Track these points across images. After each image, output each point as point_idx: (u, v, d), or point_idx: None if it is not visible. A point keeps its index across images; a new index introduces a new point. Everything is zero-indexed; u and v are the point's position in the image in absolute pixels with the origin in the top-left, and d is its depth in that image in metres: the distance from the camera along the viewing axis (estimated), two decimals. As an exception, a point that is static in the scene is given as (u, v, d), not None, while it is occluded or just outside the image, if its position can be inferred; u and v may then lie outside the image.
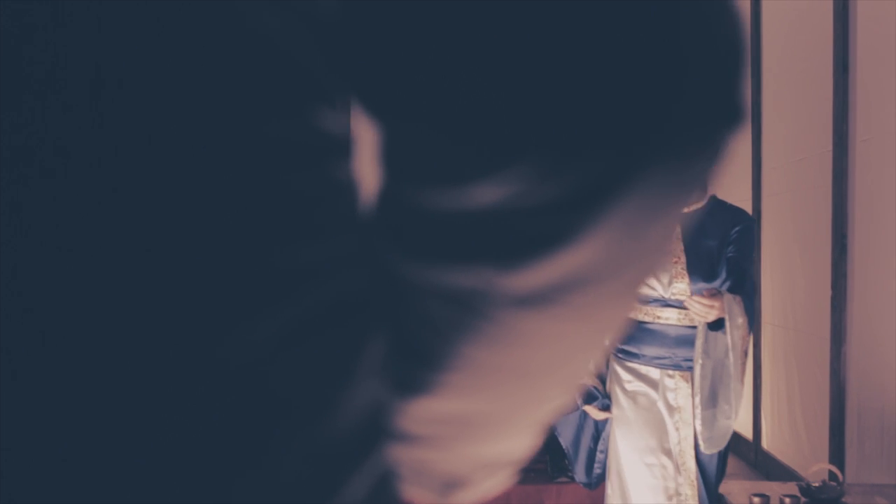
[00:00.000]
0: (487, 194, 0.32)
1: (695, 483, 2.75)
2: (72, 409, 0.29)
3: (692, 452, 2.76)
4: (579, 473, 3.02)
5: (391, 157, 0.35)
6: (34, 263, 0.28)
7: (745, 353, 2.71)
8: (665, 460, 2.77)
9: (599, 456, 2.97)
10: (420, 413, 0.42)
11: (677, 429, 2.77)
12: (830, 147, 4.08)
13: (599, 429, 2.99)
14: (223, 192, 0.31)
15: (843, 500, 2.85)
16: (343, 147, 0.36)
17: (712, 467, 2.79)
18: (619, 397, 2.91)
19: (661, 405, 2.80)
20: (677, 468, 2.76)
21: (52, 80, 0.28)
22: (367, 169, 0.36)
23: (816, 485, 2.85)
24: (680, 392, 2.76)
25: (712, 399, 2.70)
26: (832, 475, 3.03)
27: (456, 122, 0.31)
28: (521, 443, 0.48)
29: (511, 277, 0.34)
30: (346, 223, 0.36)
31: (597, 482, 3.00)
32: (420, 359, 0.39)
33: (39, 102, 0.28)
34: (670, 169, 0.32)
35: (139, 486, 0.29)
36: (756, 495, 2.77)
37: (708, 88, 0.32)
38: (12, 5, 0.28)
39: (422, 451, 0.45)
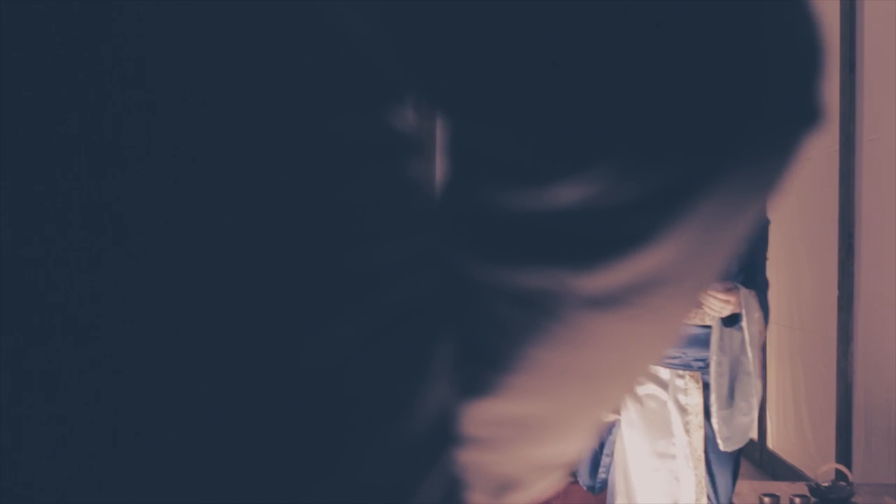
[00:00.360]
0: (568, 194, 0.32)
1: (704, 488, 2.71)
2: (156, 411, 0.28)
3: (703, 456, 2.71)
4: (583, 476, 2.99)
5: (467, 156, 0.34)
6: (120, 266, 0.28)
7: (762, 349, 2.69)
8: (672, 465, 2.75)
9: (605, 460, 2.93)
10: (480, 415, 0.41)
11: (687, 431, 2.73)
12: (837, 146, 4.08)
13: (605, 432, 2.97)
14: (296, 192, 0.31)
15: (853, 500, 2.85)
16: (414, 146, 0.36)
17: (724, 474, 2.74)
18: (627, 400, 2.89)
19: (671, 405, 2.78)
20: (686, 473, 2.73)
21: (127, 77, 0.28)
22: (439, 168, 0.36)
23: (826, 485, 2.85)
24: (691, 393, 2.74)
25: (730, 397, 2.67)
26: (840, 475, 3.02)
27: (539, 122, 0.31)
28: (575, 445, 0.47)
29: (585, 278, 0.34)
30: (417, 223, 0.35)
31: (601, 487, 2.96)
32: (485, 361, 0.39)
33: (115, 99, 0.28)
34: (749, 170, 0.32)
35: (220, 488, 0.29)
36: (766, 495, 2.77)
37: (788, 89, 0.32)
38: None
39: (478, 453, 0.44)
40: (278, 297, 0.30)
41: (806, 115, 0.33)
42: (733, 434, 2.65)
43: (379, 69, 0.33)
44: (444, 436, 0.37)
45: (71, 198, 0.27)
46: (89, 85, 0.27)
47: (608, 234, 0.33)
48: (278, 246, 0.30)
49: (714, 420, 2.66)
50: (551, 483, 0.50)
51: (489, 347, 0.38)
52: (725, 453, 2.71)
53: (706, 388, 2.71)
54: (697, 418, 2.71)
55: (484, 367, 0.39)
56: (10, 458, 0.27)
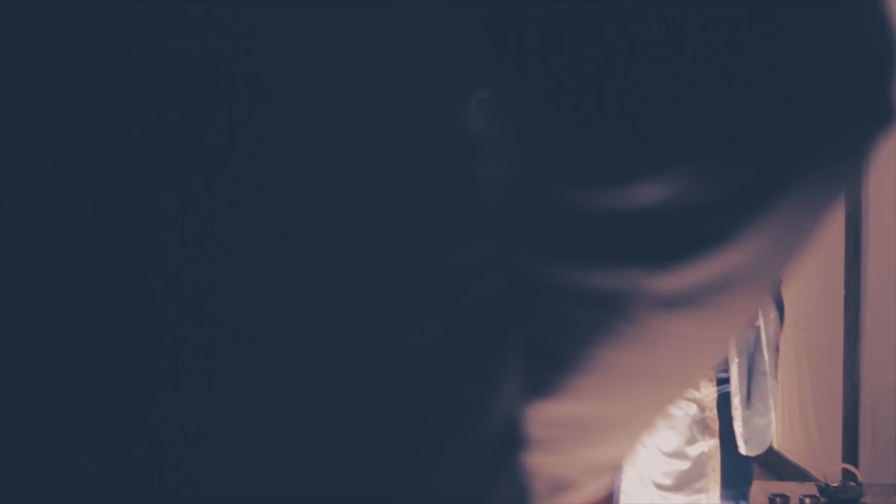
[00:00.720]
0: (648, 194, 0.31)
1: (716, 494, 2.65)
2: (241, 415, 0.28)
3: (717, 466, 2.65)
4: None
5: (542, 156, 0.34)
6: (207, 272, 0.27)
7: (777, 349, 2.67)
8: (684, 465, 2.69)
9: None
10: (540, 416, 0.41)
11: (702, 438, 2.67)
12: (844, 146, 4.07)
13: None
14: (375, 194, 0.30)
15: (862, 500, 2.85)
16: (485, 145, 0.35)
17: (738, 484, 2.68)
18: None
19: (684, 409, 2.74)
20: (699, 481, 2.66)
21: (207, 78, 0.27)
22: (509, 168, 0.35)
23: (835, 485, 2.85)
24: (707, 396, 2.70)
25: (748, 397, 2.64)
26: (849, 475, 3.02)
27: (622, 121, 0.31)
28: (627, 446, 0.47)
29: (659, 278, 0.34)
30: (488, 224, 0.35)
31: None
32: (550, 361, 0.38)
33: (198, 103, 0.27)
34: (826, 170, 0.32)
35: (298, 492, 0.29)
36: (776, 495, 2.77)
37: (866, 89, 0.32)
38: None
39: (535, 454, 0.44)
40: (357, 300, 0.29)
41: (881, 115, 0.33)
42: (752, 436, 2.61)
43: (453, 66, 0.32)
44: (514, 440, 0.36)
45: (168, 207, 0.27)
46: (179, 89, 0.27)
47: (686, 234, 0.32)
48: (357, 248, 0.29)
49: (737, 423, 2.60)
50: (601, 485, 0.50)
51: (555, 348, 0.38)
52: (740, 461, 2.64)
53: (720, 383, 2.65)
54: (712, 424, 2.65)
55: (548, 367, 0.38)
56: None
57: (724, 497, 2.62)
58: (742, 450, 2.61)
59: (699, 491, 2.62)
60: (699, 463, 2.64)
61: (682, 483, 2.64)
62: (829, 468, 3.05)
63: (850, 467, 3.06)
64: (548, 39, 0.31)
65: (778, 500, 2.76)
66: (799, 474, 4.68)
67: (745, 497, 2.68)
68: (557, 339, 0.38)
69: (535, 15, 0.31)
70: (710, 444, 2.64)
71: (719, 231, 0.32)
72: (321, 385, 0.29)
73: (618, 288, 0.34)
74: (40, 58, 0.26)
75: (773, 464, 5.23)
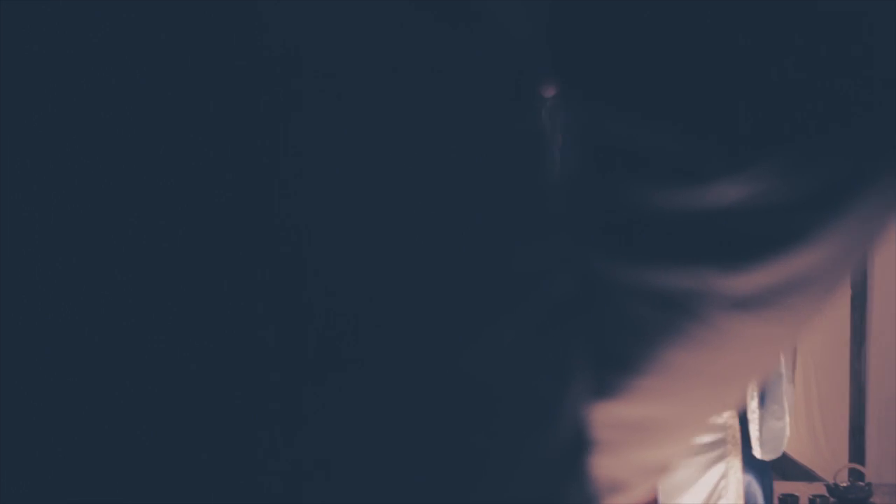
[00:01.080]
0: (727, 193, 0.31)
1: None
2: (308, 419, 0.28)
3: (740, 476, 2.61)
4: None
5: (618, 155, 0.33)
6: (274, 263, 0.27)
7: (794, 351, 2.66)
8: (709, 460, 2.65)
9: None
10: (600, 417, 0.41)
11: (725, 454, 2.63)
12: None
13: None
14: (455, 194, 0.30)
15: (871, 500, 2.84)
16: (558, 142, 0.35)
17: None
18: None
19: None
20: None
21: (282, 74, 0.27)
22: (578, 166, 0.35)
23: (844, 485, 2.85)
24: None
25: (763, 399, 2.61)
26: (856, 476, 3.01)
27: (704, 120, 0.30)
28: (680, 448, 0.46)
29: (733, 278, 0.33)
30: (558, 224, 0.35)
31: None
32: (616, 363, 0.38)
33: (269, 97, 0.27)
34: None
35: (373, 497, 0.28)
36: (786, 495, 2.77)
37: None
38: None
39: (593, 456, 0.44)
40: (446, 300, 0.29)
41: None
42: (766, 439, 2.59)
43: (526, 61, 0.32)
44: (583, 442, 0.36)
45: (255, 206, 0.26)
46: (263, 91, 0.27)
47: (763, 234, 0.32)
48: (447, 249, 0.29)
49: (753, 426, 2.58)
50: (650, 487, 0.49)
51: (622, 349, 0.38)
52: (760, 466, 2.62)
53: None
54: (734, 433, 2.62)
55: (613, 369, 0.38)
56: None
57: (745, 467, 2.61)
58: (757, 453, 2.59)
59: (720, 458, 2.60)
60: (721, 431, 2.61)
61: (703, 449, 2.62)
62: (837, 468, 3.04)
63: (859, 467, 3.05)
64: (623, 34, 0.31)
65: (788, 500, 2.75)
66: (805, 475, 4.67)
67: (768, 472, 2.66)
68: (625, 340, 0.37)
69: (609, 9, 0.31)
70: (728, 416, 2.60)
71: (796, 231, 0.32)
72: (407, 386, 0.29)
73: (690, 288, 0.34)
74: (140, 57, 0.26)
75: (779, 464, 5.22)
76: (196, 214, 0.26)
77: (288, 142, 0.27)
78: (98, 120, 0.25)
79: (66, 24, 0.25)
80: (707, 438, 2.60)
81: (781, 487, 2.98)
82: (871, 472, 3.89)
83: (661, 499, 2.58)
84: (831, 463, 4.17)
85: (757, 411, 2.58)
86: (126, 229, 0.25)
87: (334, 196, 0.28)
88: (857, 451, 4.04)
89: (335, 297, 0.28)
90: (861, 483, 2.90)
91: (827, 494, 2.83)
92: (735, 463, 2.60)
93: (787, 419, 2.59)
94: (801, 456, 4.92)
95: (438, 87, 0.30)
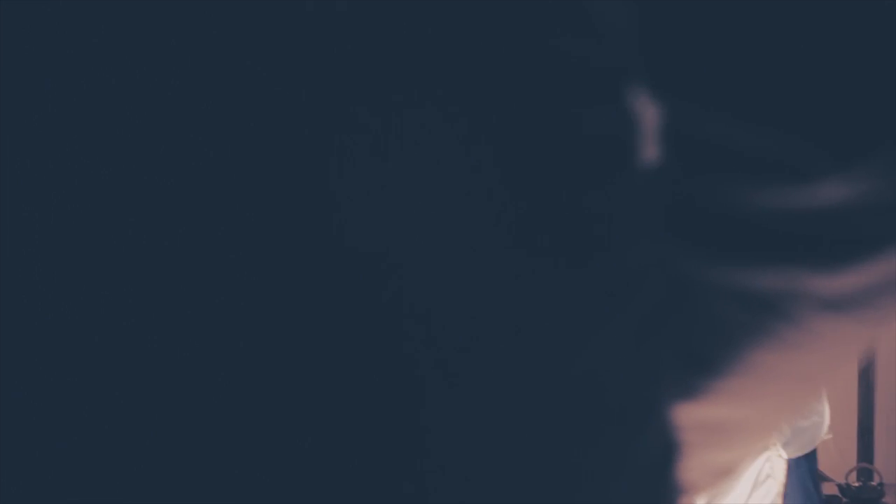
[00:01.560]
0: (828, 193, 0.31)
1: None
2: (426, 417, 0.27)
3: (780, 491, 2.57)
4: None
5: (714, 154, 0.33)
6: (336, 260, 0.27)
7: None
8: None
9: None
10: (679, 419, 0.41)
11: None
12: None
13: None
14: (542, 200, 0.30)
15: (884, 500, 2.84)
16: (650, 141, 0.35)
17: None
18: None
19: None
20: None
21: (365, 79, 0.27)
22: (675, 165, 0.35)
23: (856, 485, 2.85)
24: None
25: None
26: (866, 476, 3.01)
27: (809, 118, 0.30)
28: (753, 450, 0.46)
29: (827, 279, 0.33)
30: (651, 225, 0.34)
31: None
32: (700, 364, 0.38)
33: (347, 101, 0.27)
34: None
35: (492, 495, 0.28)
36: (798, 496, 2.76)
37: None
38: None
39: None
40: (547, 313, 0.29)
41: None
42: (790, 439, 2.59)
43: (618, 57, 0.32)
44: (673, 446, 0.36)
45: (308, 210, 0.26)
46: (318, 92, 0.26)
47: (861, 235, 0.32)
48: (556, 252, 0.29)
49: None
50: (717, 490, 0.49)
51: (708, 351, 0.37)
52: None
53: None
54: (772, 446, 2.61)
55: (697, 370, 0.38)
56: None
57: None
58: (786, 452, 2.59)
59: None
60: None
61: None
62: (845, 468, 3.04)
63: (872, 466, 3.05)
64: (720, 29, 0.30)
65: (800, 501, 2.75)
66: (812, 475, 4.67)
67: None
68: (711, 342, 0.37)
69: (714, 4, 0.30)
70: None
71: (893, 232, 0.32)
72: (524, 392, 0.28)
73: (782, 289, 0.34)
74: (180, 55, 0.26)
75: (786, 464, 5.22)
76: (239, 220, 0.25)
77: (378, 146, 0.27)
78: (106, 119, 0.25)
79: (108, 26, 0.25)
80: None
81: (793, 488, 2.97)
82: (879, 471, 3.89)
83: None
84: (839, 463, 4.16)
85: None
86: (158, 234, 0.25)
87: (434, 209, 0.28)
88: (865, 451, 4.04)
89: (460, 300, 0.27)
90: (873, 483, 2.89)
91: (839, 494, 2.83)
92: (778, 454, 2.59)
93: (815, 420, 2.58)
94: (808, 456, 4.92)
95: (533, 88, 0.29)
